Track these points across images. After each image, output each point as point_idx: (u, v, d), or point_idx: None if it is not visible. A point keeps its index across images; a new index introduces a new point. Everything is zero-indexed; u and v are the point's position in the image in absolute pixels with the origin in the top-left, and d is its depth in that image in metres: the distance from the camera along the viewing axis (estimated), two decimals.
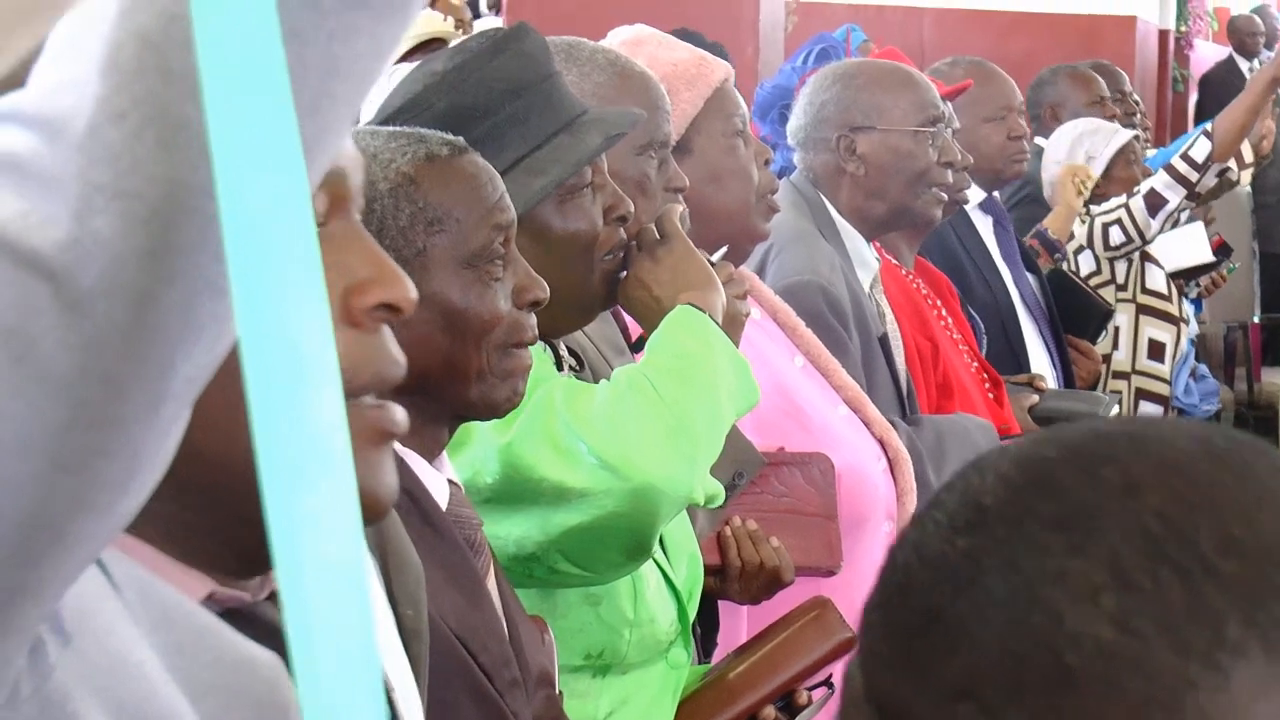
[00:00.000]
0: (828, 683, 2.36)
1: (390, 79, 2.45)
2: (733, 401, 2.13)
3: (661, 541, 2.24)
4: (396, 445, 1.23)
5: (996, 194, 4.62)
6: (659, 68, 2.66)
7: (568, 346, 2.26)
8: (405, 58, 4.42)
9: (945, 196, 3.59)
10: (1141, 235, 5.05)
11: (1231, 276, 6.49)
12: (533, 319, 1.84)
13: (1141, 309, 5.18)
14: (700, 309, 2.14)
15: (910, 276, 3.77)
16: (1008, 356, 4.27)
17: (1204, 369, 6.20)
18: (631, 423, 2.03)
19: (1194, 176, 4.99)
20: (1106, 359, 5.12)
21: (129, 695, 0.87)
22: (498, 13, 6.64)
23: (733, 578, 2.55)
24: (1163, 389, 5.20)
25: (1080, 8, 9.86)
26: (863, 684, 0.83)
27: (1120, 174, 5.27)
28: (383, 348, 1.15)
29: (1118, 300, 5.13)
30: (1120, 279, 5.16)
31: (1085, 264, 5.13)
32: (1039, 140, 5.34)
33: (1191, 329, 5.58)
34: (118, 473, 0.76)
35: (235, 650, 0.98)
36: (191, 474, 0.93)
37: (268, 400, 0.57)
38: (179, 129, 0.72)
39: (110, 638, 0.88)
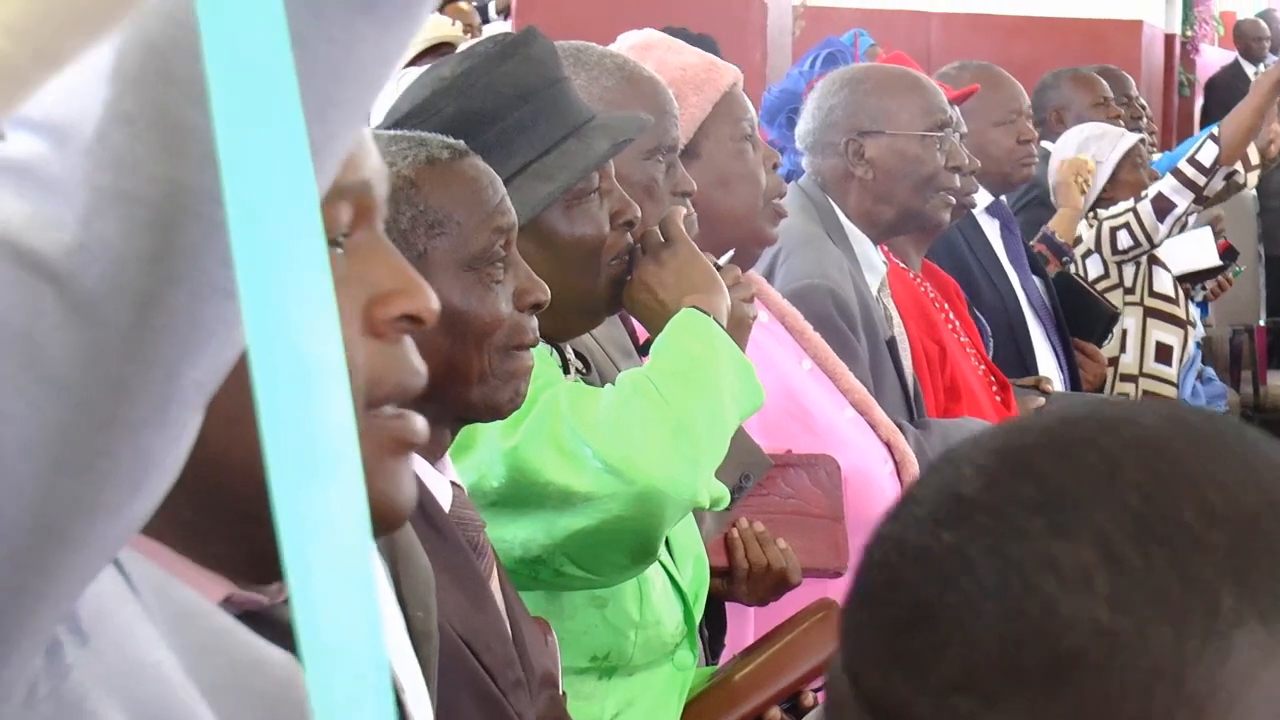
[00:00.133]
0: None
1: (398, 84, 2.45)
2: (737, 404, 2.12)
3: (667, 544, 2.24)
4: None
5: (1003, 198, 4.62)
6: (667, 72, 2.66)
7: (574, 350, 2.26)
8: (413, 62, 4.42)
9: (953, 200, 3.59)
10: (1150, 239, 5.05)
11: (1237, 280, 6.48)
12: (534, 321, 1.84)
13: (1149, 312, 5.18)
14: (704, 312, 2.14)
15: (918, 280, 3.76)
16: (1015, 359, 4.27)
17: (1210, 372, 6.19)
18: (636, 426, 2.03)
19: (1201, 181, 4.99)
20: (1114, 362, 5.11)
21: (146, 695, 0.87)
22: (506, 17, 6.64)
23: (740, 579, 2.55)
24: (1170, 392, 5.20)
25: (1086, 12, 9.85)
26: (850, 685, 0.82)
27: (1127, 177, 5.27)
28: (404, 358, 1.15)
29: (1125, 304, 5.13)
30: (1128, 282, 5.16)
31: (1093, 268, 5.13)
32: (1045, 144, 5.34)
33: (1198, 332, 5.58)
34: (125, 475, 0.76)
35: (252, 652, 0.98)
36: (208, 477, 0.93)
37: (275, 403, 0.57)
38: (184, 134, 0.72)
39: (128, 638, 0.88)
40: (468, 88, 2.04)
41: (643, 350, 2.42)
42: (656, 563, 2.17)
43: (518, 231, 2.01)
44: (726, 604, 2.68)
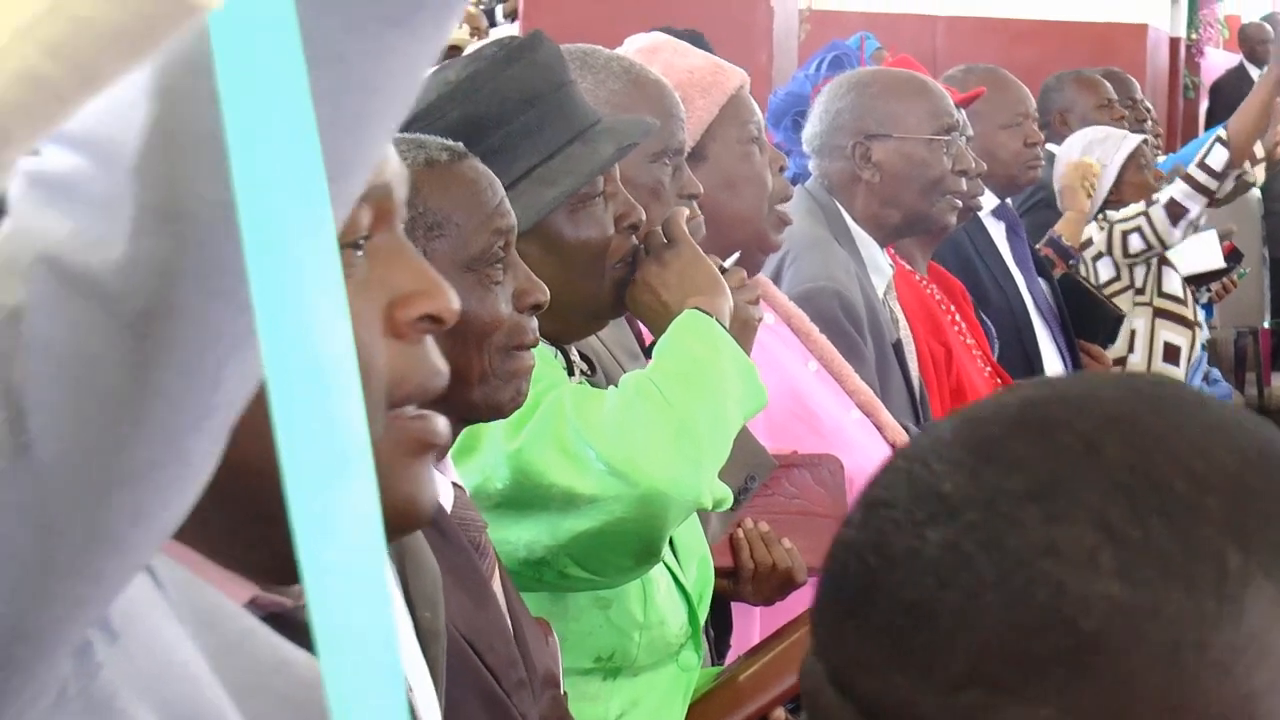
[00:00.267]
0: None
1: None
2: (740, 405, 2.12)
3: (672, 545, 2.24)
4: None
5: (1009, 200, 4.62)
6: (675, 75, 2.66)
7: (579, 352, 2.26)
8: None
9: (960, 204, 3.59)
10: (1163, 243, 5.06)
11: (1242, 282, 6.49)
12: (534, 321, 1.84)
13: (1158, 312, 5.18)
14: (707, 313, 2.14)
15: (924, 282, 3.77)
16: (1020, 361, 4.27)
17: (1216, 373, 6.19)
18: (639, 428, 2.03)
19: (1214, 185, 5.00)
20: (1121, 362, 5.11)
21: (174, 694, 0.88)
22: (514, 20, 6.64)
23: (746, 579, 2.55)
24: None
25: (1092, 16, 9.85)
26: (839, 695, 0.82)
27: (1132, 178, 5.27)
28: (426, 358, 1.15)
29: (1135, 304, 5.13)
30: (1139, 283, 5.16)
31: (1105, 270, 5.13)
32: (1050, 146, 5.34)
33: (1203, 334, 5.58)
34: (170, 482, 0.77)
35: (276, 653, 0.99)
36: (234, 481, 0.93)
37: (289, 407, 0.57)
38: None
39: (156, 638, 0.89)
40: (473, 92, 2.04)
41: (648, 352, 2.42)
42: (661, 564, 2.17)
43: (522, 235, 2.01)
44: (732, 604, 2.68)
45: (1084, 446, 0.78)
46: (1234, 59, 11.66)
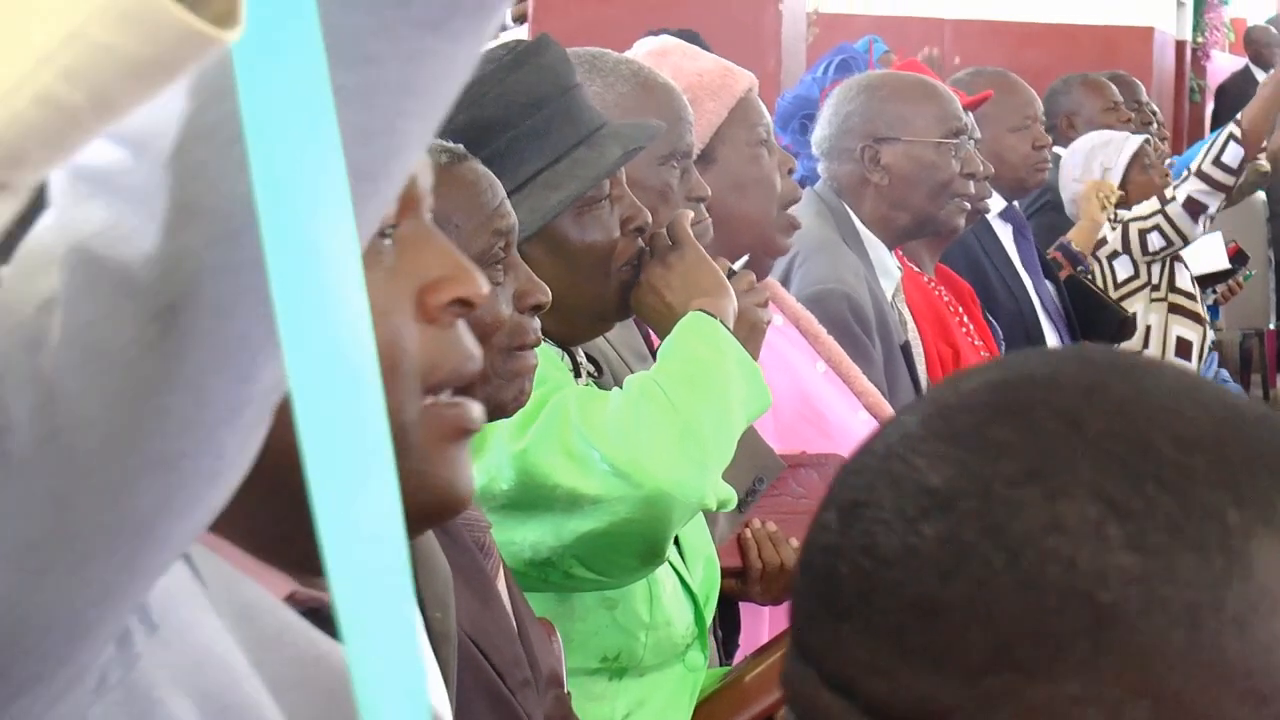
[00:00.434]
0: None
1: None
2: (744, 407, 2.12)
3: (678, 545, 2.24)
4: None
5: (1016, 203, 4.63)
6: (684, 78, 2.66)
7: (586, 353, 2.26)
8: None
9: (968, 206, 3.59)
10: (1184, 238, 5.08)
11: (1247, 284, 6.48)
12: (536, 322, 1.84)
13: (1171, 308, 5.18)
14: (711, 315, 2.14)
15: (932, 284, 3.77)
16: None
17: (1225, 374, 6.19)
18: (644, 430, 2.03)
19: (1230, 181, 5.02)
20: None
21: (212, 685, 0.88)
22: (522, 23, 6.64)
23: (754, 579, 2.55)
24: None
25: (1098, 19, 9.84)
26: (838, 699, 0.82)
27: (1137, 178, 5.28)
28: (458, 343, 1.17)
29: (1151, 300, 5.14)
30: (1155, 280, 5.16)
31: (1122, 269, 5.13)
32: (1057, 149, 5.35)
33: (1211, 331, 5.58)
34: (202, 474, 0.77)
35: (314, 647, 1.00)
36: (273, 475, 0.94)
37: (312, 408, 0.57)
38: None
39: (195, 630, 0.90)
40: (480, 97, 2.04)
41: (656, 354, 2.42)
42: (667, 564, 2.17)
43: (529, 238, 2.01)
44: (741, 604, 2.68)
45: (1065, 422, 0.78)
46: (1239, 62, 11.65)
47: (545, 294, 1.84)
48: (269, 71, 0.57)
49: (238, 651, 0.93)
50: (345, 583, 0.57)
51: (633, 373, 2.26)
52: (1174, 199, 5.05)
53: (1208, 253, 5.57)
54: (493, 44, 2.25)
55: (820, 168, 3.54)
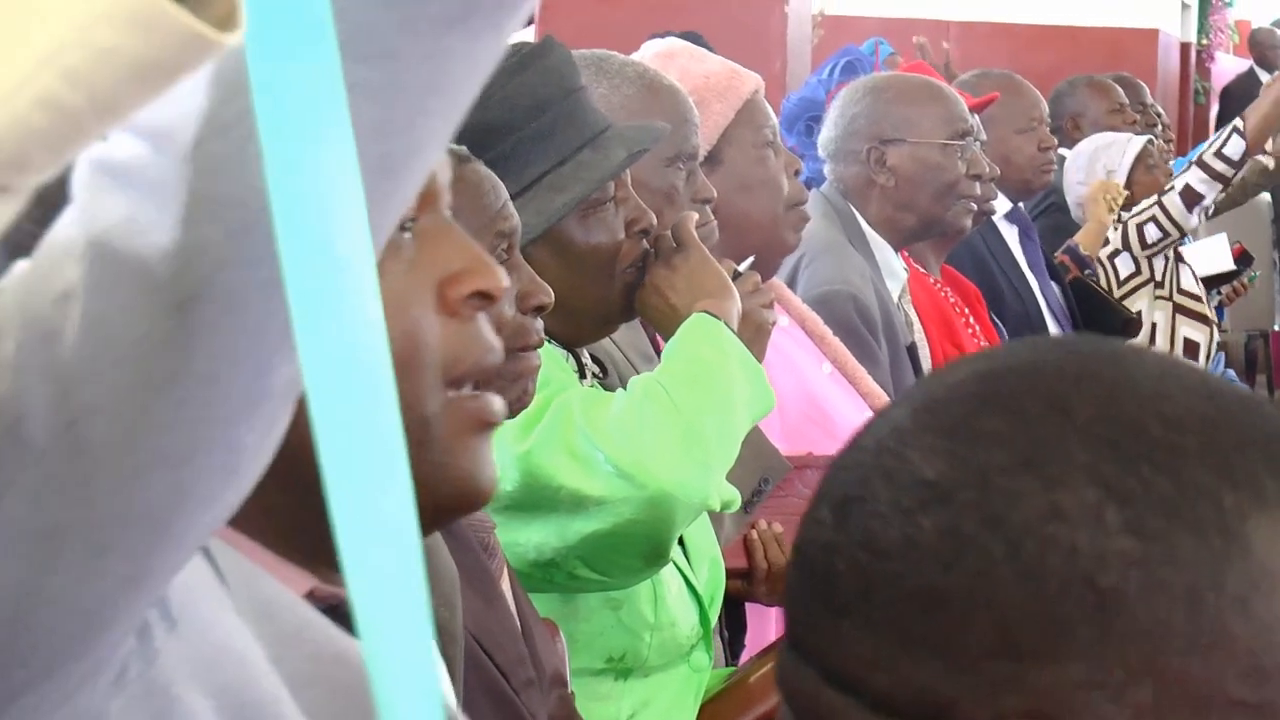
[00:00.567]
0: None
1: None
2: (748, 408, 2.12)
3: (683, 546, 2.24)
4: None
5: (1022, 204, 4.63)
6: (691, 80, 2.66)
7: (591, 355, 2.26)
8: None
9: (974, 207, 3.60)
10: (1179, 228, 5.07)
11: (1252, 285, 6.48)
12: (538, 323, 1.85)
13: (1177, 308, 5.19)
14: (715, 316, 2.13)
15: (938, 285, 3.77)
16: None
17: (1231, 374, 6.19)
18: (647, 431, 2.02)
19: (1230, 173, 5.02)
20: None
21: (230, 681, 0.89)
22: (529, 25, 6.64)
23: (760, 580, 2.55)
24: None
25: (1103, 21, 9.85)
26: (841, 695, 0.82)
27: (1141, 178, 5.28)
28: (480, 335, 1.17)
29: (1156, 298, 5.14)
30: (1158, 277, 5.16)
31: (1124, 266, 5.13)
32: (1062, 150, 5.35)
33: (1218, 332, 5.58)
34: (218, 469, 0.78)
35: (334, 644, 1.00)
36: (293, 472, 0.94)
37: (326, 407, 0.57)
38: None
39: (214, 626, 0.90)
40: (485, 99, 2.03)
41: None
42: (672, 565, 2.17)
43: (534, 240, 2.01)
44: (747, 605, 2.68)
45: (1056, 410, 0.79)
46: (1244, 64, 11.65)
47: (548, 295, 1.84)
48: (281, 66, 0.57)
49: (256, 648, 0.93)
50: (361, 580, 0.57)
51: (638, 374, 2.26)
52: (1171, 188, 5.06)
53: (1213, 254, 5.57)
54: None
55: (826, 169, 3.54)
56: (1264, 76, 10.96)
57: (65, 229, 0.75)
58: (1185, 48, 11.02)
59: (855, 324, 3.19)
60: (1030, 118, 4.57)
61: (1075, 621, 0.76)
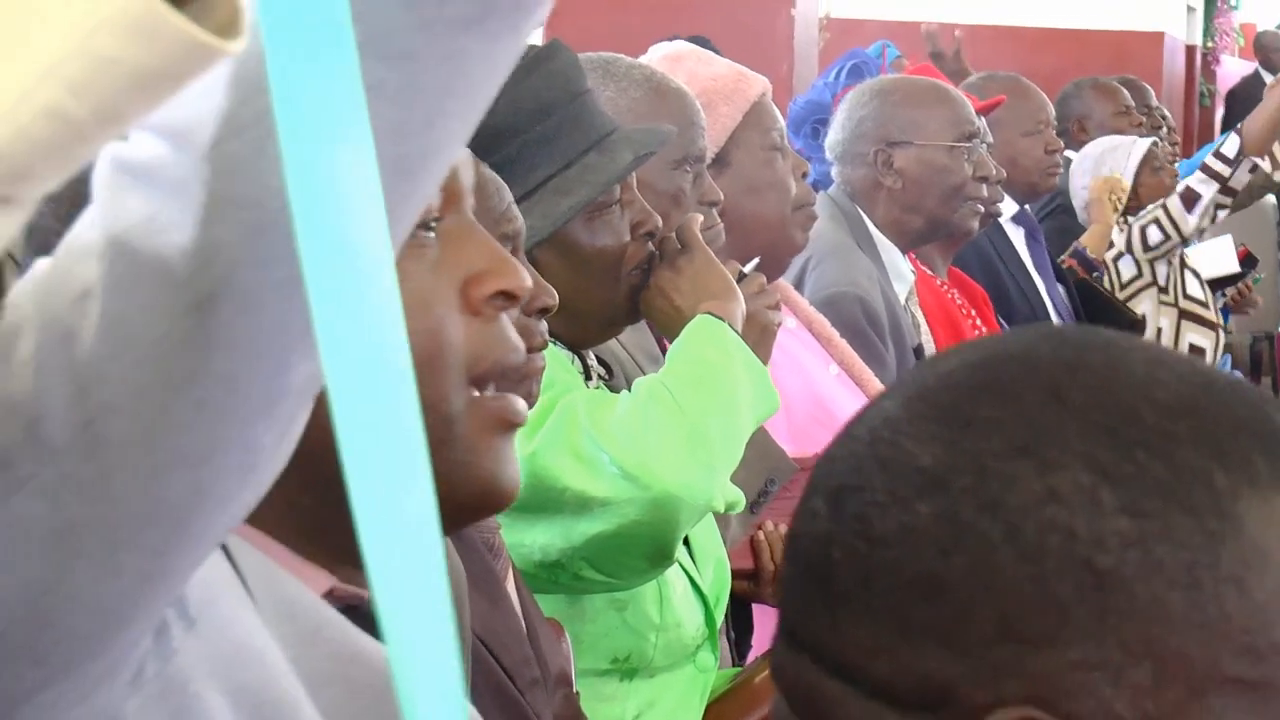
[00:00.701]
0: None
1: None
2: (752, 409, 2.12)
3: (689, 547, 2.24)
4: None
5: (1028, 207, 4.63)
6: (698, 83, 2.66)
7: (597, 356, 2.26)
8: None
9: (981, 209, 3.60)
10: (1179, 230, 5.07)
11: (1257, 287, 6.47)
12: (543, 324, 1.85)
13: (1182, 314, 5.18)
14: (719, 318, 2.14)
15: (945, 287, 3.77)
16: None
17: (1238, 375, 6.18)
18: (652, 432, 2.02)
19: (1226, 171, 5.01)
20: None
21: (248, 680, 0.89)
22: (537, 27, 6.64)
23: (766, 581, 2.55)
24: None
25: (1108, 24, 9.84)
26: (841, 685, 0.82)
27: (1147, 180, 5.28)
28: (502, 335, 1.17)
29: (1160, 304, 5.14)
30: (1161, 281, 5.16)
31: (1126, 269, 5.13)
32: (1069, 153, 5.35)
33: (1225, 336, 5.58)
34: (235, 468, 0.78)
35: (353, 644, 1.00)
36: (313, 470, 0.94)
37: (348, 406, 0.58)
38: None
39: (232, 625, 0.90)
40: (491, 103, 2.04)
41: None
42: (677, 566, 2.17)
43: (539, 243, 2.01)
44: (754, 606, 2.68)
45: (1050, 396, 0.80)
46: (1249, 67, 11.65)
47: (552, 297, 1.84)
48: (301, 67, 0.58)
49: (275, 647, 0.93)
50: (384, 580, 0.57)
51: (644, 375, 2.26)
52: (1175, 192, 5.07)
53: (1218, 256, 5.56)
54: None
55: (834, 172, 3.54)
56: (1269, 79, 10.96)
57: (85, 228, 0.75)
58: (1191, 51, 11.02)
59: (862, 326, 3.19)
60: (1037, 120, 4.56)
61: (1073, 603, 0.77)
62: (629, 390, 2.12)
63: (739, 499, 2.13)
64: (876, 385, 3.01)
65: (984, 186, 3.56)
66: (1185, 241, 5.13)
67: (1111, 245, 5.14)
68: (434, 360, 1.14)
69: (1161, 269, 5.16)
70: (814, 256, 3.27)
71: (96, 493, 0.75)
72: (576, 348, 2.18)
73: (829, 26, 6.81)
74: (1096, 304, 4.72)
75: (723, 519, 2.33)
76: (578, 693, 1.88)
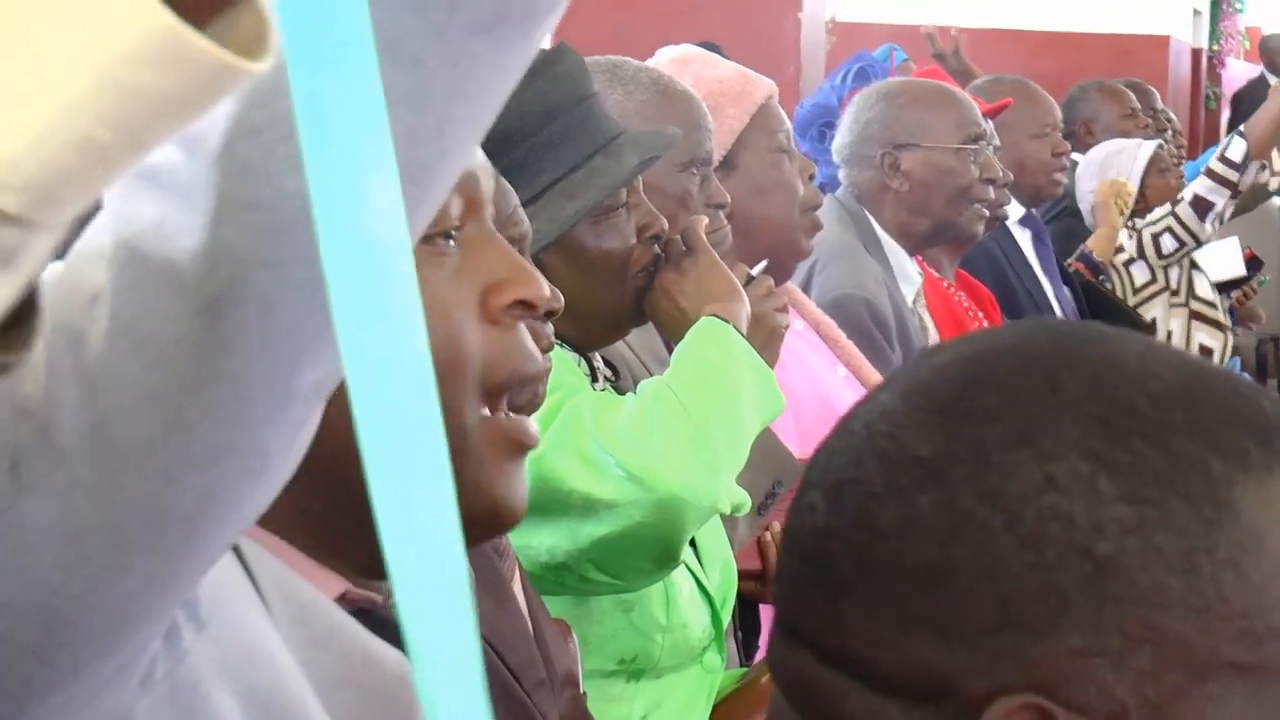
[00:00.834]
0: None
1: None
2: (757, 411, 2.12)
3: (695, 549, 2.24)
4: None
5: (1035, 210, 4.63)
6: (705, 85, 2.66)
7: (604, 358, 2.26)
8: None
9: (987, 212, 3.60)
10: (1195, 238, 5.07)
11: (1262, 290, 6.47)
12: (549, 327, 1.85)
13: (1193, 315, 5.19)
14: (724, 320, 2.13)
15: (952, 289, 3.77)
16: None
17: (1245, 377, 6.17)
18: (657, 435, 2.02)
19: (1234, 176, 5.02)
20: None
21: (258, 682, 0.89)
22: None
23: (774, 582, 2.55)
24: None
25: (1114, 27, 9.84)
26: (842, 678, 0.82)
27: (1154, 182, 5.28)
28: (520, 345, 1.17)
29: (1171, 306, 5.14)
30: (1173, 285, 5.16)
31: (1139, 274, 5.13)
32: (1075, 156, 5.34)
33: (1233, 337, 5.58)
34: (245, 472, 0.78)
35: (365, 648, 1.00)
36: (327, 474, 0.94)
37: (369, 409, 0.57)
38: None
39: (243, 627, 0.90)
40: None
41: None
42: (684, 567, 2.17)
43: (545, 246, 2.00)
44: (761, 607, 2.68)
45: (1046, 387, 0.81)
46: (1255, 70, 11.64)
47: (558, 300, 1.84)
48: (322, 74, 0.57)
49: (285, 650, 0.93)
50: (406, 582, 0.57)
51: (651, 376, 2.26)
52: (1183, 199, 5.07)
53: (1224, 259, 5.56)
54: None
55: (841, 174, 3.54)
56: (1274, 81, 10.94)
57: (96, 233, 0.75)
58: (1196, 53, 11.01)
59: (869, 328, 3.19)
60: (1044, 123, 4.56)
61: (1074, 590, 0.78)
62: (632, 393, 2.12)
63: (744, 501, 2.13)
64: None
65: (990, 189, 3.56)
66: (1200, 246, 5.14)
67: (1120, 250, 5.14)
68: (452, 367, 1.14)
69: (1173, 272, 5.16)
70: (821, 259, 3.27)
71: (106, 495, 0.75)
72: (582, 350, 2.18)
73: (835, 30, 6.80)
74: (1102, 307, 4.71)
75: (730, 520, 2.32)
76: (584, 693, 1.88)
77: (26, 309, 0.60)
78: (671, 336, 2.18)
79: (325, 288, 0.68)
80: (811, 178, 2.91)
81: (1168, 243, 5.09)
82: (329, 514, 1.10)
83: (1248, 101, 10.68)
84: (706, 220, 2.25)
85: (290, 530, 1.09)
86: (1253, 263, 5.75)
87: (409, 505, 0.58)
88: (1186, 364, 0.83)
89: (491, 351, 1.16)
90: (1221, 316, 5.26)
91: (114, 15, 0.54)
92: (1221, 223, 5.18)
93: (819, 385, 2.89)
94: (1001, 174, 3.59)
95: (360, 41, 0.56)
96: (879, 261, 3.41)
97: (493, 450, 1.16)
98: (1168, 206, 5.11)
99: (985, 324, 3.82)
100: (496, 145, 1.97)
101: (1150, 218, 5.14)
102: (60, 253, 0.77)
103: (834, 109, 3.73)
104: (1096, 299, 4.73)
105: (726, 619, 2.29)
